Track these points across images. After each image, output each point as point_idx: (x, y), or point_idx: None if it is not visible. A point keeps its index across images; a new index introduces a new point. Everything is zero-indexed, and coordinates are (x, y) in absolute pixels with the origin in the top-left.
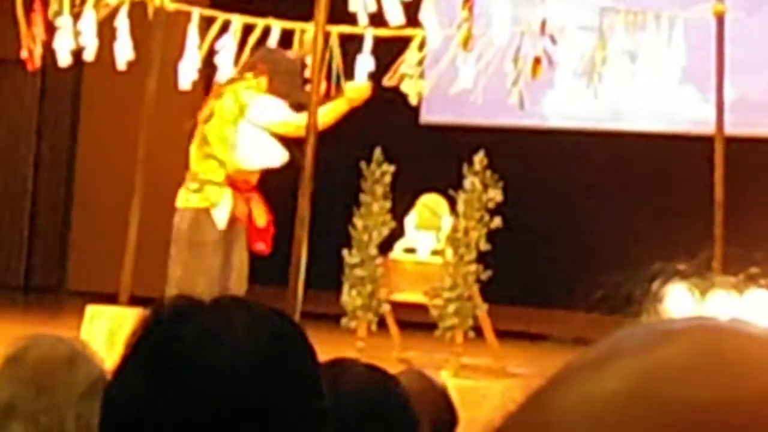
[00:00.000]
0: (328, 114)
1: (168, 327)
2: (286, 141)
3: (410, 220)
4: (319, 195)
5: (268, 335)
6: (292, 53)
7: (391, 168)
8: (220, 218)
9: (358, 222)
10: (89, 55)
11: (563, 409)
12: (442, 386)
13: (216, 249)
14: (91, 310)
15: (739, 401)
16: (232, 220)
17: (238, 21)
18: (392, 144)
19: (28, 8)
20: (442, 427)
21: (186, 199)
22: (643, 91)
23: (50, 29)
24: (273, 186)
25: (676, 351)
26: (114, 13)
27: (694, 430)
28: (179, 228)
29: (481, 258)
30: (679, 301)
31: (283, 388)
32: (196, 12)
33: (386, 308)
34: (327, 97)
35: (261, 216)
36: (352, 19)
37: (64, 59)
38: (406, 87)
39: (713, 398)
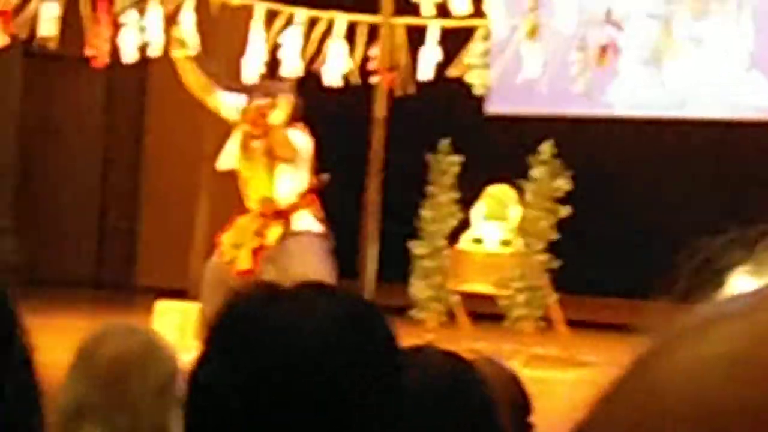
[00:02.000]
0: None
1: (250, 314)
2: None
3: (477, 211)
4: (386, 188)
5: (350, 322)
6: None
7: (458, 159)
8: None
9: (426, 213)
10: (155, 51)
11: (669, 373)
12: (513, 373)
13: None
14: (161, 305)
15: None
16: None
17: (302, 14)
18: (458, 135)
19: (93, 5)
20: (517, 413)
21: None
22: (710, 77)
23: (114, 25)
24: (339, 180)
25: None
26: (179, 8)
27: None
28: None
29: (550, 247)
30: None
31: (364, 377)
32: (262, 6)
33: (455, 299)
34: (391, 87)
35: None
36: (416, 11)
37: (129, 55)
38: (471, 77)
39: None
